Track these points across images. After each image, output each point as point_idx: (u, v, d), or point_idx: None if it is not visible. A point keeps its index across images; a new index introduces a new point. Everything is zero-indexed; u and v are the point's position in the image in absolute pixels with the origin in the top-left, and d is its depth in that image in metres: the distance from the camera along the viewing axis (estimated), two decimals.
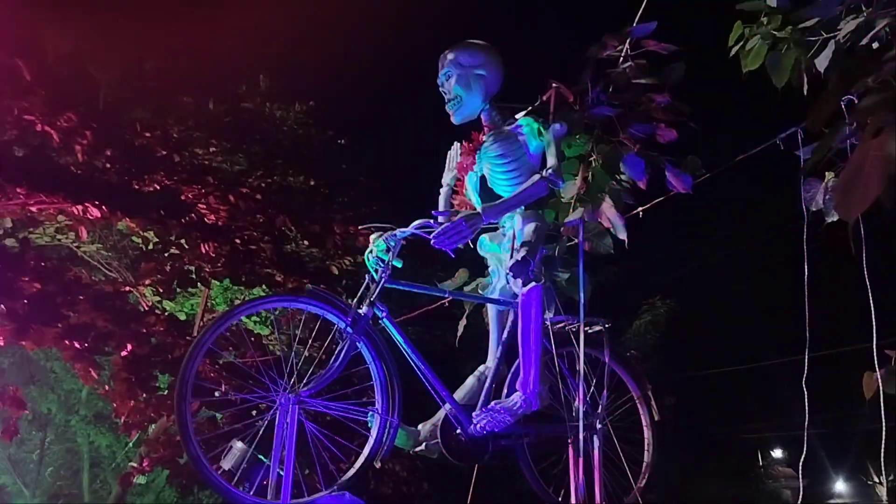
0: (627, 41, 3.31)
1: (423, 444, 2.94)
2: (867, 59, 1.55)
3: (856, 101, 2.41)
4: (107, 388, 7.34)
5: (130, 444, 11.89)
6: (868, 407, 2.86)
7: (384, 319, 2.85)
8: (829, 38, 2.68)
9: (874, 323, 2.68)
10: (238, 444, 2.72)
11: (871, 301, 2.68)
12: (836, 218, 2.69)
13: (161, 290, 8.18)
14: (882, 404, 2.66)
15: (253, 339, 8.02)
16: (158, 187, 7.30)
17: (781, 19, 2.95)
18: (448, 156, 3.41)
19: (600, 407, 3.08)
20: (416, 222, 2.93)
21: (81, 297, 6.42)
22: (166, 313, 7.96)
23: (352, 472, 2.69)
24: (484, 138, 3.19)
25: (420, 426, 3.00)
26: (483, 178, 3.19)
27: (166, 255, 7.89)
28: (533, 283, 2.92)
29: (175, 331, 7.17)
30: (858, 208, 1.21)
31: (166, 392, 7.13)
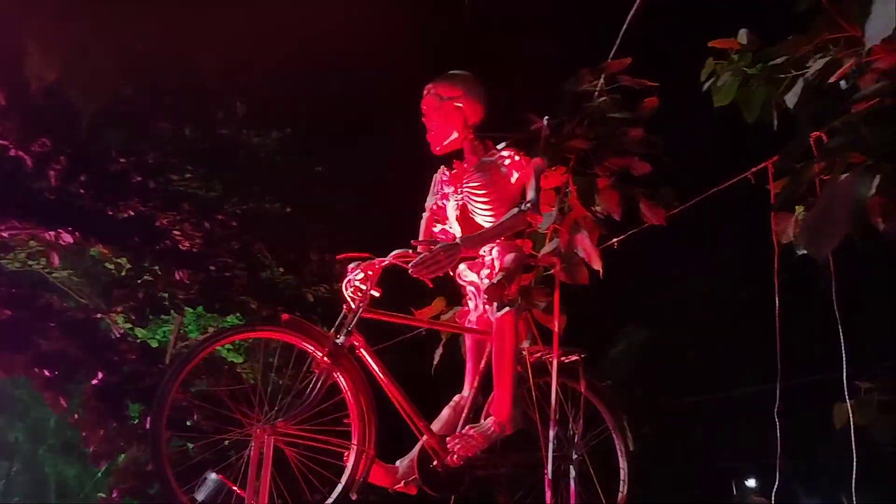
0: (602, 76, 3.37)
1: (402, 481, 2.92)
2: (835, 100, 1.59)
3: (824, 139, 2.49)
4: (76, 416, 7.23)
5: (99, 475, 11.67)
6: (839, 437, 2.91)
7: (361, 349, 2.84)
8: (798, 75, 2.76)
9: (843, 354, 2.73)
10: (212, 476, 2.69)
11: (841, 333, 2.74)
12: (805, 251, 2.75)
13: (133, 318, 8.10)
14: (853, 434, 2.71)
15: (227, 367, 7.96)
16: (133, 213, 7.26)
17: (751, 56, 3.03)
18: (434, 179, 3.43)
19: (576, 437, 3.08)
20: (395, 252, 2.95)
21: (52, 325, 6.34)
22: (138, 341, 7.88)
23: (328, 502, 2.66)
24: (465, 168, 3.22)
25: (398, 462, 2.98)
26: (464, 208, 3.22)
27: (139, 281, 7.83)
28: (507, 308, 2.93)
29: (147, 359, 7.10)
30: (828, 246, 1.24)
31: (137, 421, 7.02)
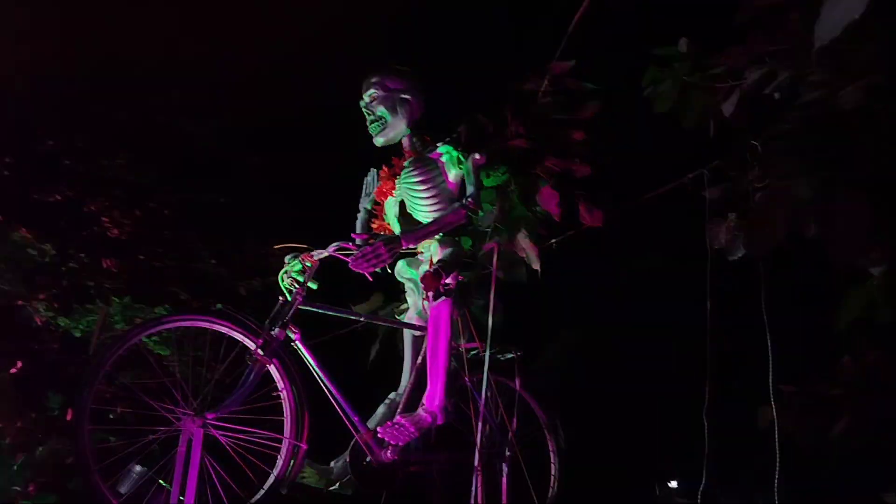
0: (547, 77, 3.39)
1: (337, 482, 2.89)
2: (770, 110, 1.64)
3: (758, 147, 2.56)
4: None
5: (15, 467, 11.21)
6: (762, 439, 3.00)
7: (297, 342, 2.80)
8: (735, 85, 2.83)
9: (770, 358, 2.81)
10: (136, 468, 2.61)
11: (769, 337, 2.82)
12: (737, 256, 2.82)
13: (56, 306, 7.80)
14: (777, 438, 2.79)
15: (153, 359, 7.74)
16: (60, 198, 7.00)
17: (691, 65, 3.10)
18: (364, 182, 3.42)
19: (509, 434, 3.10)
20: (334, 244, 2.91)
21: None
22: (61, 330, 7.60)
23: (257, 497, 2.61)
24: (404, 164, 3.20)
25: (332, 463, 2.95)
26: (402, 204, 3.20)
27: (64, 268, 7.56)
28: (443, 297, 2.93)
29: (70, 348, 6.85)
30: (766, 246, 1.27)
31: (57, 413, 6.78)
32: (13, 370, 6.23)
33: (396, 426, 2.81)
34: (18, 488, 7.66)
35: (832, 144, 1.26)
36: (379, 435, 2.81)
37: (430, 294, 2.91)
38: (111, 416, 5.83)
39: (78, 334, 8.72)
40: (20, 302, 7.75)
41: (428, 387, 2.92)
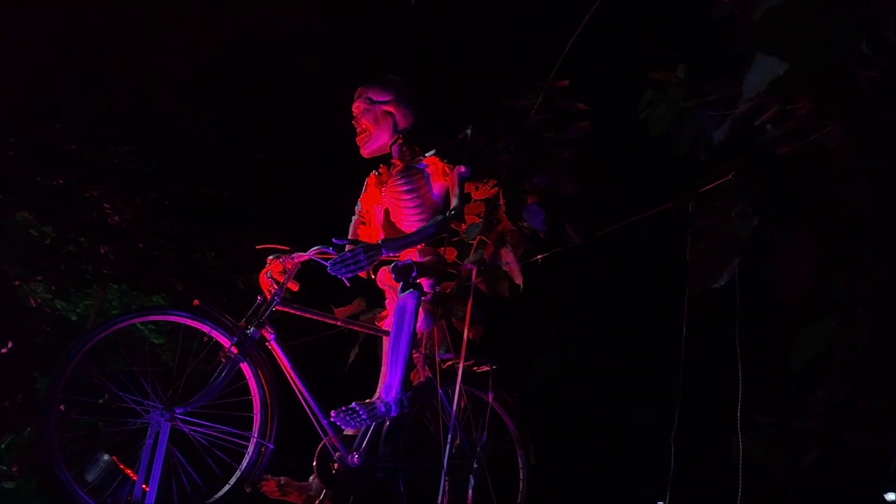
0: (540, 95, 3.42)
1: (315, 499, 2.90)
2: (730, 149, 1.67)
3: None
4: None
5: (2, 447, 11.27)
6: (740, 467, 3.01)
7: (272, 342, 2.83)
8: (728, 113, 2.85)
9: (741, 388, 2.83)
10: (104, 457, 2.64)
11: (740, 366, 2.83)
12: (719, 284, 2.84)
13: (53, 288, 7.86)
14: (740, 466, 2.80)
15: (146, 348, 7.78)
16: (62, 181, 7.06)
17: (686, 91, 3.12)
18: (366, 182, 3.45)
19: (478, 446, 3.12)
20: (315, 248, 2.94)
21: None
22: (56, 312, 7.65)
23: (221, 492, 2.64)
24: (392, 173, 3.24)
25: (311, 479, 2.96)
26: (387, 212, 3.23)
27: (63, 252, 7.61)
28: (411, 290, 2.94)
29: (63, 332, 6.90)
30: (707, 284, 1.30)
31: None
32: (3, 350, 6.27)
33: (349, 411, 2.81)
34: (4, 468, 7.70)
35: (779, 185, 1.28)
36: (332, 418, 2.81)
37: (400, 285, 2.93)
38: (100, 402, 5.87)
39: (74, 318, 8.77)
40: (17, 282, 7.81)
41: (386, 377, 2.93)
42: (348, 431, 2.98)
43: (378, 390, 3.10)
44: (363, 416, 2.82)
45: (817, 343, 1.77)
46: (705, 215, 2.71)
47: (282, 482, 2.85)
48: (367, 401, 2.91)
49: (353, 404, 2.86)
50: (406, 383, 2.92)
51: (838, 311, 1.64)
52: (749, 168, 1.31)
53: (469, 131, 3.27)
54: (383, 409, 2.87)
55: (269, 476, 2.83)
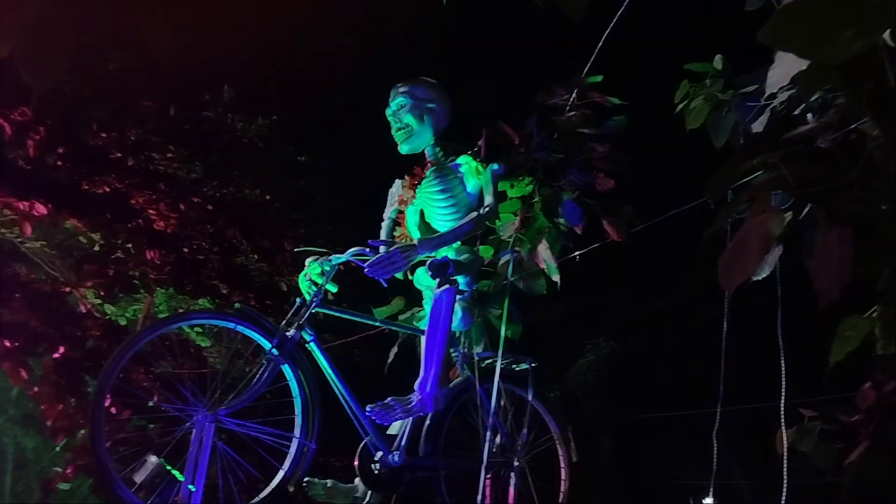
0: (575, 91, 3.40)
1: (364, 501, 2.93)
2: (763, 140, 1.64)
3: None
4: (36, 389, 7.18)
5: (57, 449, 11.58)
6: (793, 461, 2.97)
7: (311, 343, 2.86)
8: (766, 105, 2.80)
9: (783, 381, 2.78)
10: (152, 458, 2.70)
11: (783, 360, 2.79)
12: (760, 277, 2.79)
13: (103, 294, 8.05)
14: (785, 461, 2.75)
15: (192, 350, 7.92)
16: (108, 189, 7.22)
17: (724, 82, 3.07)
18: (389, 192, 3.48)
19: (519, 445, 3.12)
20: (352, 249, 2.97)
21: (17, 295, 6.30)
22: (106, 317, 7.83)
23: (264, 493, 2.68)
24: (426, 173, 3.25)
25: (356, 481, 2.98)
26: (423, 213, 3.25)
27: (111, 258, 7.78)
28: (448, 285, 2.95)
29: (112, 336, 7.05)
30: (737, 280, 1.28)
31: None
32: (56, 355, 6.44)
33: (385, 406, 2.84)
34: (59, 470, 7.91)
35: (815, 177, 1.26)
36: (367, 412, 2.84)
37: (437, 282, 2.93)
38: (150, 404, 6.01)
39: (124, 322, 8.98)
40: (68, 289, 8.02)
41: (422, 373, 2.94)
42: (391, 431, 3.01)
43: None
44: (398, 411, 2.84)
45: (857, 336, 1.73)
46: (742, 208, 2.68)
47: (328, 485, 2.88)
48: (404, 397, 2.93)
49: (389, 399, 2.88)
50: (442, 380, 2.93)
51: (880, 304, 1.60)
52: (784, 160, 1.29)
53: (499, 129, 3.27)
54: (418, 405, 2.88)
55: (317, 479, 2.87)
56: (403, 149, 3.28)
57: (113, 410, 5.40)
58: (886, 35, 0.94)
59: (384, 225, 3.43)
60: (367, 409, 2.84)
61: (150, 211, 7.57)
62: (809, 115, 2.75)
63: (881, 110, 1.01)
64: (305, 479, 2.81)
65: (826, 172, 1.28)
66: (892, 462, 3.13)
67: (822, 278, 1.30)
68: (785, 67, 1.67)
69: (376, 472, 2.87)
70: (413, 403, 2.88)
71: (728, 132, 3.05)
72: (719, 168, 1.48)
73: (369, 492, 2.91)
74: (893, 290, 1.52)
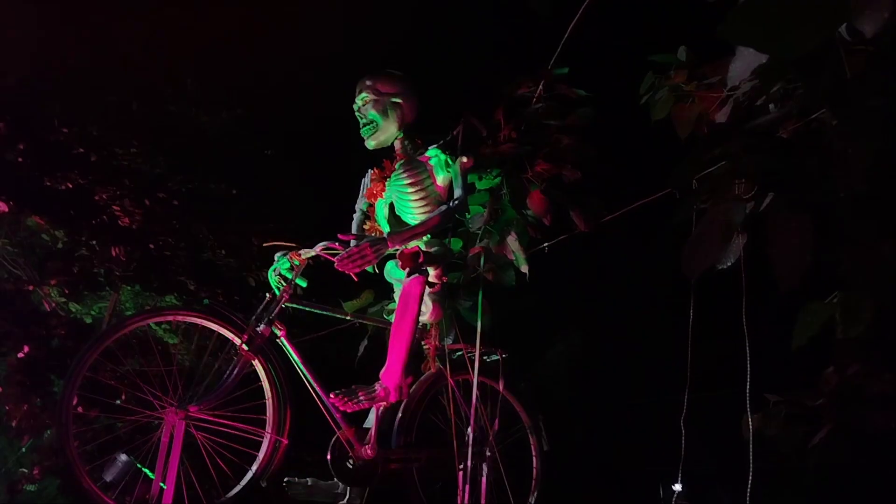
0: (541, 83, 3.42)
1: (346, 497, 2.93)
2: (724, 131, 1.67)
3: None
4: (0, 389, 7.06)
5: (23, 450, 11.39)
6: (759, 446, 3.02)
7: (282, 339, 2.85)
8: (730, 95, 2.84)
9: (748, 367, 2.83)
10: (122, 457, 2.67)
11: (748, 347, 2.84)
12: (726, 266, 2.84)
13: (67, 292, 7.92)
14: (751, 446, 2.81)
15: (161, 347, 7.83)
16: (71, 185, 7.11)
17: (688, 73, 3.11)
18: (362, 182, 3.47)
19: (490, 435, 3.14)
20: (322, 244, 2.96)
21: None
22: (71, 315, 7.72)
23: (236, 489, 2.67)
24: (395, 166, 3.25)
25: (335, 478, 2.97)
26: (392, 206, 3.25)
27: (76, 255, 7.67)
28: (416, 275, 2.95)
29: (77, 334, 6.96)
30: (700, 269, 1.30)
31: None
32: (20, 355, 6.34)
33: (349, 393, 2.84)
34: (25, 471, 7.79)
35: (774, 166, 1.28)
36: (331, 399, 2.84)
37: (406, 271, 2.94)
38: (118, 402, 5.93)
39: (89, 320, 8.84)
40: (31, 287, 7.88)
41: (387, 362, 2.94)
42: (366, 425, 3.01)
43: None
44: (360, 398, 2.83)
45: (818, 321, 1.77)
46: (705, 198, 2.72)
47: (308, 483, 2.87)
48: (368, 385, 2.92)
49: (353, 387, 2.88)
50: (407, 370, 2.92)
51: (840, 290, 1.64)
52: (744, 150, 1.31)
53: (467, 121, 3.28)
54: (382, 394, 2.88)
55: (296, 478, 2.86)
56: (370, 144, 3.28)
57: (80, 409, 5.33)
58: (843, 29, 0.96)
59: (355, 217, 3.42)
60: (331, 395, 2.83)
61: (115, 207, 7.47)
62: (772, 106, 2.80)
63: (838, 102, 1.04)
64: (285, 479, 2.81)
65: (786, 162, 1.31)
66: (854, 445, 3.21)
67: (781, 265, 1.33)
68: (746, 60, 1.70)
69: (350, 466, 2.88)
70: (377, 392, 2.87)
71: (692, 123, 3.09)
72: (683, 158, 1.50)
73: (349, 488, 2.92)
74: (851, 277, 1.56)
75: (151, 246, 7.71)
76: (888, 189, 1.21)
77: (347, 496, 2.94)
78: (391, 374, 2.89)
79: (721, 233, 1.27)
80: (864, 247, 1.45)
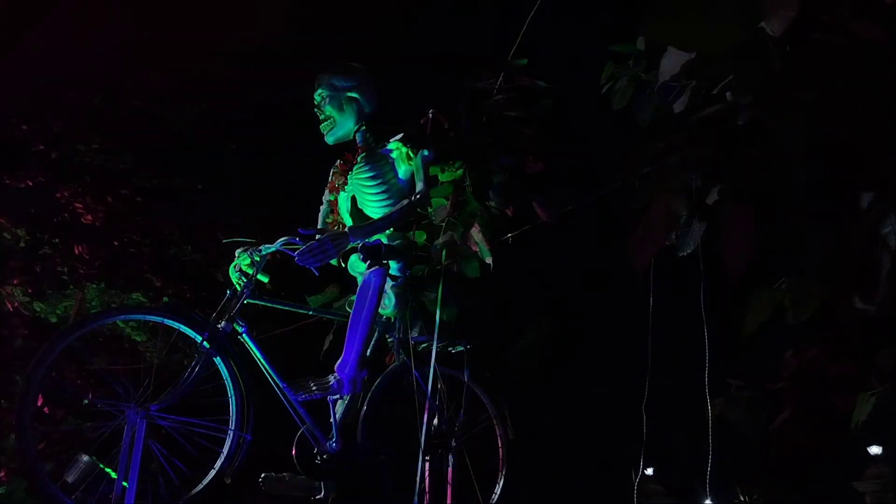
0: (501, 74, 3.43)
1: (321, 492, 2.92)
2: (666, 122, 1.69)
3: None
4: None
5: None
6: (730, 431, 3.07)
7: (244, 335, 2.84)
8: (687, 84, 2.87)
9: (707, 353, 2.88)
10: (84, 457, 2.65)
11: (706, 332, 2.89)
12: (686, 252, 2.88)
13: (30, 291, 7.80)
14: (710, 430, 2.86)
15: (127, 345, 7.76)
16: (31, 183, 7.00)
17: (646, 63, 3.13)
18: (332, 171, 3.45)
19: (456, 426, 3.16)
20: (282, 238, 2.95)
21: None
22: (34, 315, 7.60)
23: (200, 487, 2.66)
24: (357, 159, 3.24)
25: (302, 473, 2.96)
26: (354, 199, 3.24)
27: (38, 254, 7.55)
28: (377, 267, 2.95)
29: (41, 334, 6.86)
30: (645, 259, 1.33)
31: None
32: None
33: (302, 382, 2.84)
34: None
35: (719, 158, 1.31)
36: (282, 387, 2.83)
37: (367, 263, 2.93)
38: (85, 402, 5.85)
39: (54, 319, 8.71)
40: None
41: (343, 354, 2.94)
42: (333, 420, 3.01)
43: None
44: (312, 388, 2.83)
45: (767, 307, 1.80)
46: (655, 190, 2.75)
47: (286, 479, 2.86)
48: (322, 377, 2.92)
49: (307, 377, 2.88)
50: (362, 362, 2.92)
51: (787, 277, 1.67)
52: (690, 141, 1.33)
53: (430, 114, 3.28)
54: (335, 386, 2.87)
55: (273, 473, 2.84)
56: (329, 140, 3.28)
57: (46, 410, 5.27)
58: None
59: (322, 208, 3.41)
60: (283, 384, 2.82)
61: (77, 204, 7.37)
62: (728, 94, 2.84)
63: (768, 95, 1.05)
64: (262, 475, 2.79)
65: (729, 152, 1.33)
66: (813, 427, 3.28)
67: (729, 253, 1.35)
68: (677, 55, 1.72)
69: (316, 460, 2.88)
70: (330, 384, 2.87)
71: (651, 112, 3.12)
72: (632, 149, 1.52)
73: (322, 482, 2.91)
74: (797, 263, 1.59)
75: (116, 243, 7.63)
76: (825, 177, 1.23)
77: (323, 490, 2.94)
78: (346, 366, 2.89)
79: (665, 224, 1.29)
80: (809, 233, 1.48)
